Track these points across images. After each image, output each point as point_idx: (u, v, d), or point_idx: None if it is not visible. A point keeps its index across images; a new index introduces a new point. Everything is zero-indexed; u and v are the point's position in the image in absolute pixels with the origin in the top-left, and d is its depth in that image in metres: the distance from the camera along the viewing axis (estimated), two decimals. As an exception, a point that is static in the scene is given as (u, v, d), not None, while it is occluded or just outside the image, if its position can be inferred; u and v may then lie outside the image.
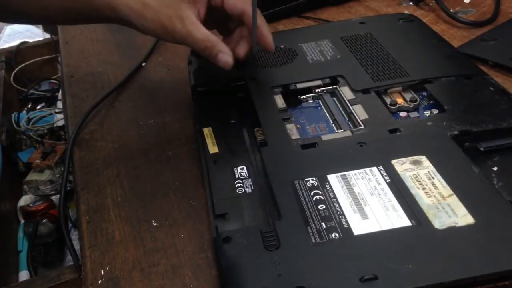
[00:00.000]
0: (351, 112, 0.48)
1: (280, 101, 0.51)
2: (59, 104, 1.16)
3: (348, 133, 0.45)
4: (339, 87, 0.52)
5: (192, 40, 0.47)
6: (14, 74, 1.17)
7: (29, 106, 1.21)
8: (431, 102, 0.50)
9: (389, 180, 0.39)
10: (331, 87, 0.53)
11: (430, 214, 0.36)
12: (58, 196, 0.82)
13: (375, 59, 0.56)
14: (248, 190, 0.42)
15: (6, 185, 0.89)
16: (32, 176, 0.97)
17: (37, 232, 0.86)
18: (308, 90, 0.53)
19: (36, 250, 0.85)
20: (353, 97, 0.50)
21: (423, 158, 0.41)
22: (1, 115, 1.00)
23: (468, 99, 0.48)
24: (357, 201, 0.38)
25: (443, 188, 0.38)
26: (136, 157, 0.52)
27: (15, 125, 1.07)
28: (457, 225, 0.35)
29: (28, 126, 1.08)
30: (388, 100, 0.50)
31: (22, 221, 0.90)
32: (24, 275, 0.79)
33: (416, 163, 0.41)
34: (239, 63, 0.51)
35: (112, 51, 0.74)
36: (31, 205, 0.91)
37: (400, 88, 0.51)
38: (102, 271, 0.41)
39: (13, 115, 1.09)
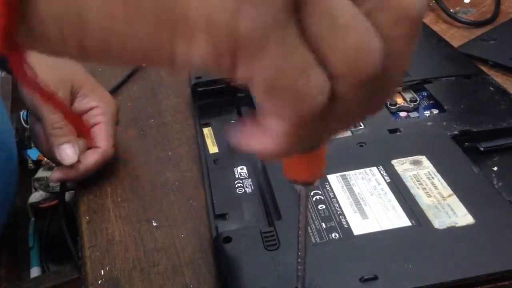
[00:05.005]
0: (351, 112, 0.48)
1: (280, 101, 0.51)
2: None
3: (348, 133, 0.45)
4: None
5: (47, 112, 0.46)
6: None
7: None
8: (431, 102, 0.50)
9: (389, 180, 0.39)
10: (331, 87, 0.53)
11: (430, 214, 0.36)
12: (70, 192, 0.82)
13: (375, 59, 0.56)
14: (248, 190, 0.42)
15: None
16: (41, 173, 0.97)
17: (48, 229, 0.86)
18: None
19: (46, 246, 0.85)
20: (353, 97, 0.50)
21: (423, 158, 0.41)
22: (10, 113, 1.00)
23: (468, 99, 0.48)
24: (357, 201, 0.38)
25: (443, 188, 0.38)
26: (136, 157, 0.52)
27: (23, 123, 1.07)
28: (457, 225, 0.35)
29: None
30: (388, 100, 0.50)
31: (33, 218, 0.90)
32: (35, 271, 0.79)
33: (416, 163, 0.41)
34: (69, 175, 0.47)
35: (112, 51, 0.74)
36: (42, 201, 0.91)
37: (400, 88, 0.51)
38: (102, 271, 0.40)
39: (21, 113, 1.10)
